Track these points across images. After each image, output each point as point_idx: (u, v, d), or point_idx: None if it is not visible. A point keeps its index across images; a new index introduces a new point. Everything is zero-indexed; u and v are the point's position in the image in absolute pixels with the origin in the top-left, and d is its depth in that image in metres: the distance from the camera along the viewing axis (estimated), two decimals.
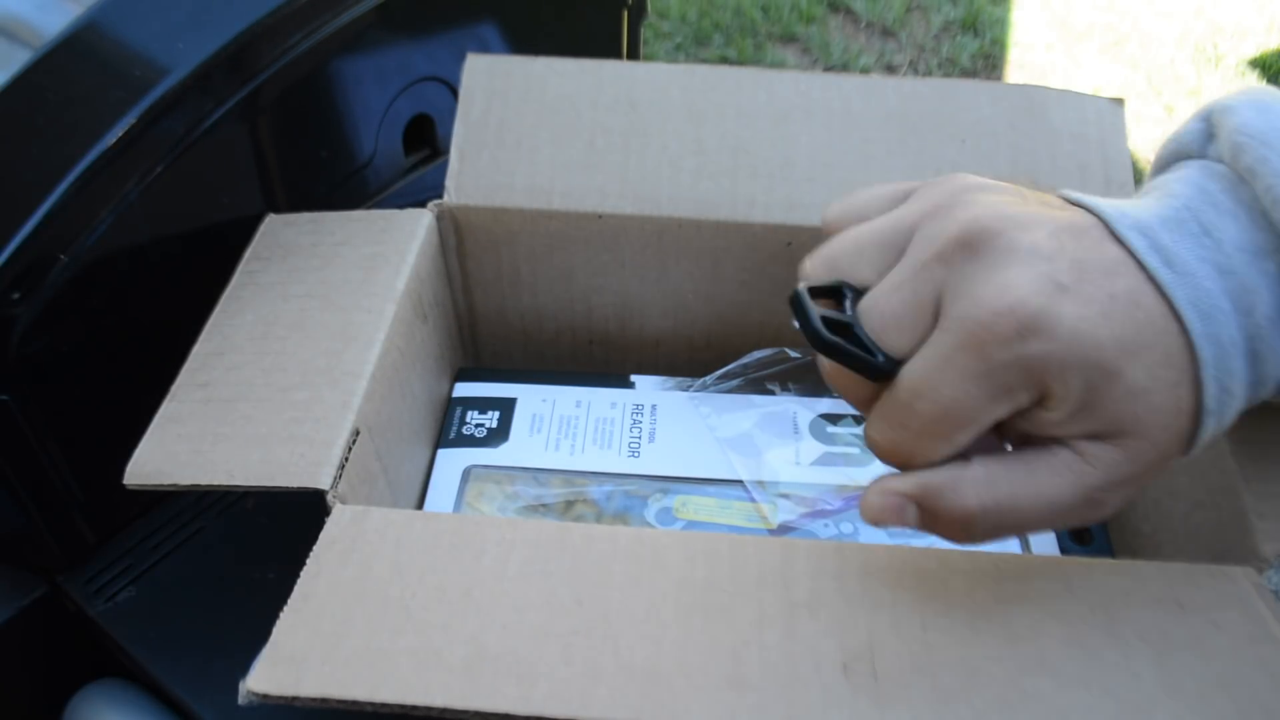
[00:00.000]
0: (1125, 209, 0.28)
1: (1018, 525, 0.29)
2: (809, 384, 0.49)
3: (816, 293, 0.30)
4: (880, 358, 0.29)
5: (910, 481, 0.29)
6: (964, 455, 0.29)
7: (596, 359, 0.54)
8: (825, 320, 0.29)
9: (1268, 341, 0.28)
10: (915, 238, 0.29)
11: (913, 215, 0.30)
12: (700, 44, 1.93)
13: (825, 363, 0.31)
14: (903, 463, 0.30)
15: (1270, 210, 0.28)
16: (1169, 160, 0.32)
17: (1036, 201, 0.29)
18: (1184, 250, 0.28)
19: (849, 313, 0.30)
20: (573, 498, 0.44)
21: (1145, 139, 1.74)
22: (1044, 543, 0.42)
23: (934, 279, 0.28)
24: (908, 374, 0.28)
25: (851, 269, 0.30)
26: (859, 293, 0.30)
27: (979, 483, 0.28)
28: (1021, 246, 0.27)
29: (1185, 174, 0.30)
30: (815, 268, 0.31)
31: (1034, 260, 0.27)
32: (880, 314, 0.29)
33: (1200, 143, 0.31)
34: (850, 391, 0.31)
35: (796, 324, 0.29)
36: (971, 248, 0.27)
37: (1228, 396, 0.28)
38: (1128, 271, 0.27)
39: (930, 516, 0.29)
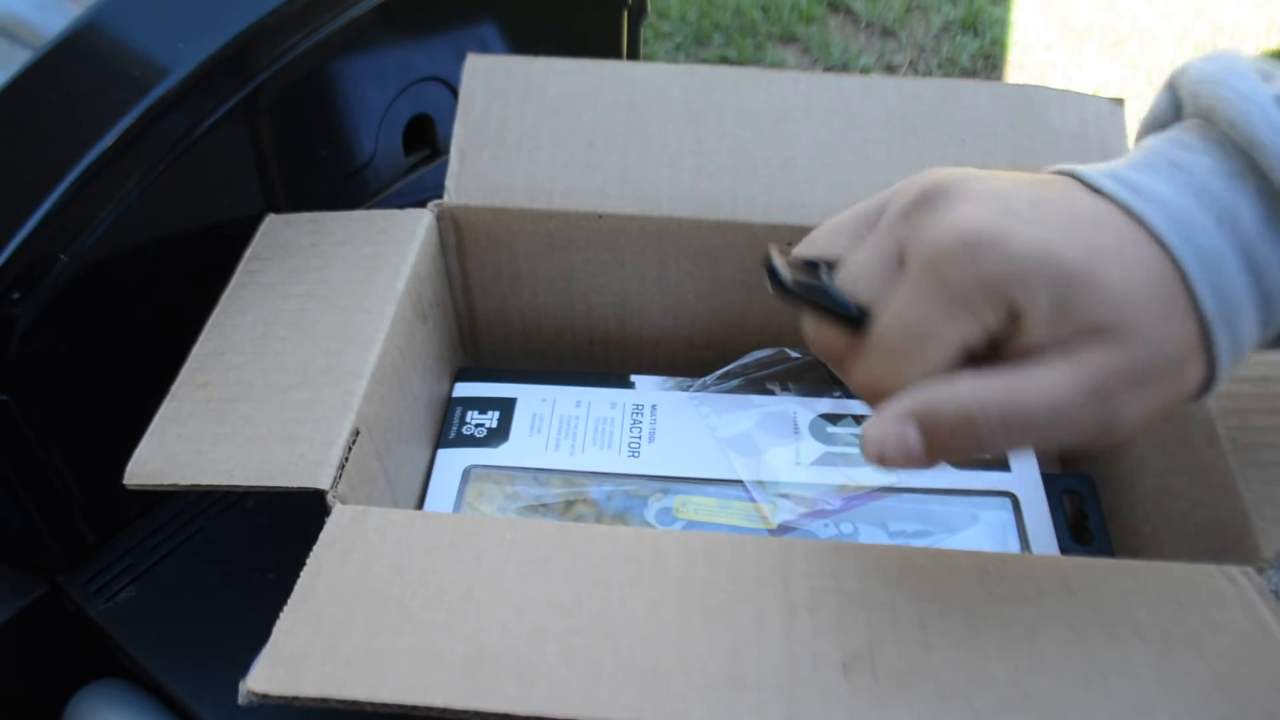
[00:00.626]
0: (1098, 167, 0.29)
1: (1026, 427, 0.28)
2: (809, 384, 0.49)
3: (794, 265, 0.31)
4: (853, 309, 0.30)
5: (903, 401, 0.29)
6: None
7: (596, 359, 0.54)
8: (797, 282, 0.30)
9: (1263, 251, 0.28)
10: (886, 211, 0.30)
11: (884, 195, 0.31)
12: (700, 44, 1.93)
13: (808, 326, 0.31)
14: (885, 397, 0.30)
15: (1237, 140, 0.28)
16: (1144, 135, 0.33)
17: (1009, 174, 0.30)
18: (1154, 182, 0.28)
19: (824, 279, 0.31)
20: (573, 498, 0.44)
21: None
22: (1044, 543, 0.42)
23: (897, 234, 0.29)
24: (879, 316, 0.29)
25: (830, 245, 0.32)
26: (834, 266, 0.31)
27: (972, 383, 0.28)
28: (975, 189, 0.28)
29: (1158, 136, 0.31)
30: (797, 250, 0.32)
31: (988, 197, 0.28)
32: (850, 271, 0.30)
33: (1171, 111, 0.32)
34: (829, 348, 0.31)
35: (770, 283, 0.31)
36: (930, 199, 0.29)
37: (1230, 307, 0.28)
38: (1092, 202, 0.28)
39: (931, 432, 0.28)
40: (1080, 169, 0.29)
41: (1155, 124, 0.33)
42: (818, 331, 0.31)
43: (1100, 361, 0.27)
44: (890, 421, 0.29)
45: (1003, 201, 0.28)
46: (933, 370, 0.28)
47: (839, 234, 0.32)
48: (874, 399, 0.30)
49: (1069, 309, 0.27)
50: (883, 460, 0.29)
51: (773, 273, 0.31)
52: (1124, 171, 0.29)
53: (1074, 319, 0.27)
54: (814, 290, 0.30)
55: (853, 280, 0.30)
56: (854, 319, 0.30)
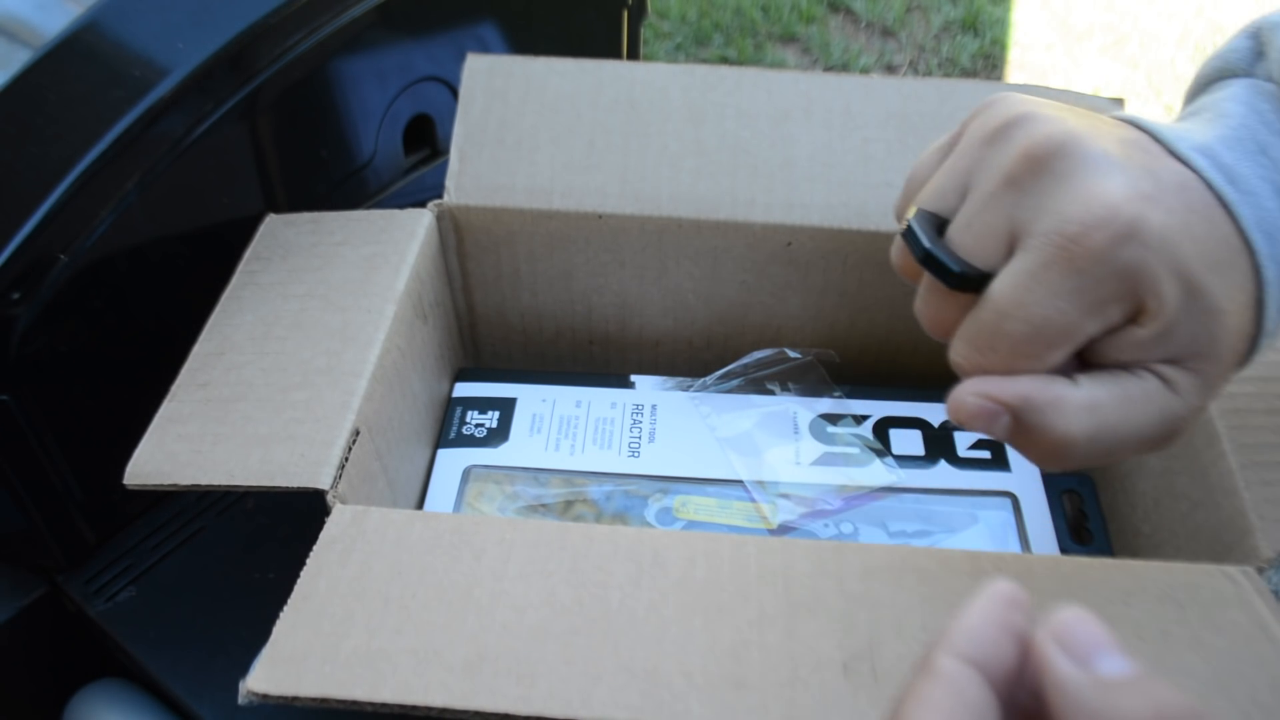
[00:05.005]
0: (1180, 131, 0.28)
1: (1105, 454, 0.27)
2: (809, 384, 0.49)
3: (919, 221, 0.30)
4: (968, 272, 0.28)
5: (1012, 390, 0.27)
6: (1063, 371, 0.27)
7: (596, 359, 0.54)
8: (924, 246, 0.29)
9: None
10: (977, 171, 0.28)
11: (970, 149, 0.29)
12: (700, 44, 1.93)
13: (921, 296, 0.30)
14: (981, 373, 0.28)
15: None
16: (1212, 78, 0.31)
17: (1088, 117, 0.28)
18: (1245, 169, 0.27)
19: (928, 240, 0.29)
20: (572, 498, 0.44)
21: None
22: (1044, 543, 0.42)
23: (1003, 207, 0.27)
24: (993, 293, 0.27)
25: (922, 173, 0.30)
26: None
27: (1083, 408, 0.26)
28: (1095, 155, 0.26)
29: (1234, 93, 0.29)
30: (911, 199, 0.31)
31: (1113, 169, 0.26)
32: (958, 247, 0.28)
33: (1248, 61, 0.30)
34: (936, 316, 0.30)
35: (907, 244, 0.29)
36: (1042, 164, 0.26)
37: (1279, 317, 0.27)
38: (1198, 188, 0.26)
39: (1023, 431, 0.27)
40: (1163, 133, 0.27)
41: (1228, 70, 0.30)
42: (929, 296, 0.30)
43: (1187, 396, 0.27)
44: (989, 401, 0.27)
45: (1127, 175, 0.26)
46: (1044, 368, 0.27)
47: (925, 165, 0.30)
48: (968, 372, 0.28)
49: (1179, 320, 0.26)
50: (965, 426, 0.28)
51: (912, 234, 0.29)
52: (1215, 147, 0.27)
53: (1179, 334, 0.26)
54: (936, 262, 0.28)
55: (927, 201, 0.29)
56: (969, 281, 0.28)
